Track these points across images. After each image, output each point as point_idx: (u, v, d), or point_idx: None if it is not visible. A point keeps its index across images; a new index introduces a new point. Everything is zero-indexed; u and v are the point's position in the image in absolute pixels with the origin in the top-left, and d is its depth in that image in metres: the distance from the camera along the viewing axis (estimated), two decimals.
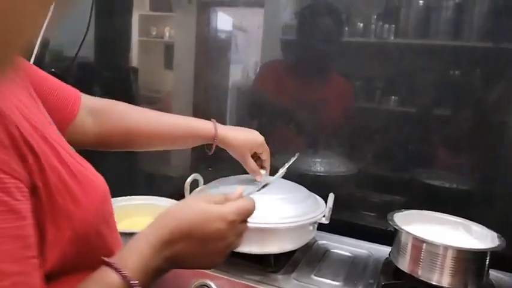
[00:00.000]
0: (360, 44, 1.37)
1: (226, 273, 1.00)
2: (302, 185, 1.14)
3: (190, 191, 1.11)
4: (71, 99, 0.80)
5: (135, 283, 0.53)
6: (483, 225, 1.03)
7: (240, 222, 0.64)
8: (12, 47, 0.28)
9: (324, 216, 1.05)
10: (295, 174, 1.16)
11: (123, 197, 1.21)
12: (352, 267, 1.09)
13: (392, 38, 1.30)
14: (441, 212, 1.09)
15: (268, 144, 1.05)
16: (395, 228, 1.00)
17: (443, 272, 0.92)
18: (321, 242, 1.20)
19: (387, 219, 1.02)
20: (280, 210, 1.00)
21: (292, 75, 1.49)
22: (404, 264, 0.98)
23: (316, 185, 1.18)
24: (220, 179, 1.15)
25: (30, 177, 0.46)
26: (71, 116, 0.79)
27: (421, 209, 1.10)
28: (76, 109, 0.80)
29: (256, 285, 0.97)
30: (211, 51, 1.63)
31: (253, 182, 1.05)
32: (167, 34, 1.75)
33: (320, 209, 1.07)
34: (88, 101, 0.84)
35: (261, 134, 1.05)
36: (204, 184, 1.15)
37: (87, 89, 0.88)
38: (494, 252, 0.92)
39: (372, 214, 1.33)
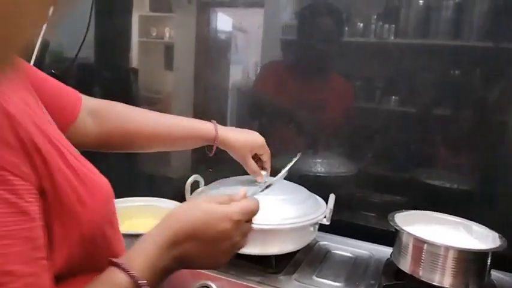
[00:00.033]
0: (360, 44, 1.37)
1: (227, 274, 1.00)
2: (303, 185, 1.14)
3: (191, 192, 1.11)
4: (72, 100, 0.80)
5: (143, 283, 0.53)
6: (484, 225, 1.03)
7: (244, 222, 0.64)
8: (12, 47, 0.28)
9: (324, 217, 1.05)
10: (296, 175, 1.16)
11: (124, 199, 1.20)
12: (353, 268, 1.09)
13: (393, 38, 1.30)
14: (442, 212, 1.08)
15: (268, 145, 1.05)
16: (396, 229, 1.00)
17: (445, 272, 0.92)
18: (322, 242, 1.20)
19: (388, 220, 1.02)
20: (281, 211, 1.00)
21: (292, 75, 1.49)
22: (405, 265, 0.98)
23: (317, 186, 1.18)
24: (221, 180, 1.14)
25: (38, 179, 0.47)
26: (72, 118, 0.79)
27: (422, 209, 1.10)
28: (77, 110, 0.80)
29: (257, 286, 0.97)
30: (211, 52, 1.63)
31: (254, 183, 1.05)
32: (167, 35, 1.75)
33: (321, 209, 1.07)
34: (88, 102, 0.84)
35: (261, 134, 1.05)
36: (204, 185, 1.15)
37: (87, 90, 0.88)
38: (495, 253, 0.92)
39: (373, 214, 1.33)
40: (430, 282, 0.93)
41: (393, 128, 1.34)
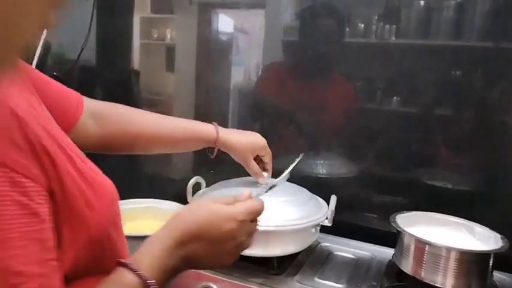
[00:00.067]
0: (361, 45, 1.37)
1: (229, 275, 1.00)
2: (304, 187, 1.14)
3: (193, 194, 1.10)
4: (74, 102, 0.80)
5: (152, 282, 0.54)
6: (486, 226, 1.03)
7: (249, 222, 0.65)
8: (12, 47, 0.28)
9: (326, 218, 1.05)
10: (298, 176, 1.16)
11: (125, 200, 1.20)
12: (355, 269, 1.09)
13: (394, 38, 1.30)
14: (444, 213, 1.09)
15: (270, 146, 1.05)
16: (397, 230, 1.00)
17: (447, 274, 0.92)
18: (324, 244, 1.20)
19: (390, 221, 1.02)
20: (283, 212, 1.00)
21: (293, 76, 1.49)
22: (407, 266, 0.98)
23: (318, 187, 1.18)
24: (223, 181, 1.14)
25: (47, 181, 0.47)
26: (74, 120, 0.79)
27: (424, 210, 1.10)
28: (79, 112, 0.80)
29: None
30: (213, 53, 1.63)
31: (255, 184, 1.05)
32: (168, 36, 1.75)
33: (322, 211, 1.07)
34: (90, 104, 0.84)
35: (263, 135, 1.05)
36: (206, 187, 1.15)
37: (89, 91, 0.88)
38: (497, 254, 0.92)
39: (375, 216, 1.33)
40: (432, 283, 0.93)
41: (394, 128, 1.34)
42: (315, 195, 1.14)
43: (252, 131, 1.06)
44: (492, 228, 1.01)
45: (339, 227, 1.10)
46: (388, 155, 1.34)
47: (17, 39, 0.28)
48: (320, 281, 1.02)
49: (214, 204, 0.64)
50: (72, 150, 0.54)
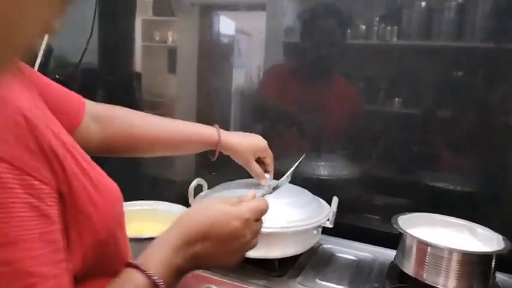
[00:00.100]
0: (362, 46, 1.37)
1: (230, 277, 1.00)
2: (306, 188, 1.14)
3: (194, 196, 1.10)
4: (76, 105, 0.80)
5: (160, 282, 0.55)
6: (488, 227, 1.02)
7: (254, 221, 0.66)
8: (13, 47, 0.28)
9: (328, 220, 1.05)
10: (299, 178, 1.16)
11: (127, 202, 1.20)
12: (357, 271, 1.09)
13: (395, 39, 1.30)
14: (446, 214, 1.08)
15: (272, 148, 1.05)
16: (399, 232, 1.00)
17: (449, 275, 0.91)
18: (325, 245, 1.20)
19: (391, 223, 1.02)
20: (285, 214, 1.00)
21: (295, 78, 1.49)
22: (409, 267, 0.97)
23: (320, 189, 1.18)
24: (225, 183, 1.14)
25: (57, 183, 0.48)
26: (76, 123, 0.79)
27: (426, 212, 1.10)
28: (81, 115, 0.80)
29: None
30: (214, 55, 1.64)
31: (258, 186, 1.05)
32: (170, 39, 1.75)
33: (324, 212, 1.06)
34: (92, 107, 0.84)
35: (264, 137, 1.05)
36: (208, 189, 1.15)
37: (91, 94, 0.88)
38: (500, 255, 0.92)
39: (376, 217, 1.33)
40: (434, 285, 0.92)
41: (396, 129, 1.33)
42: (317, 197, 1.14)
43: (254, 132, 1.07)
44: (494, 229, 1.01)
45: (340, 229, 1.10)
46: (390, 156, 1.34)
47: (17, 39, 0.28)
48: (322, 282, 1.02)
49: (220, 204, 0.65)
50: (78, 152, 0.55)
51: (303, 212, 1.03)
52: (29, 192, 0.44)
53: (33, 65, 1.26)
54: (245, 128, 1.59)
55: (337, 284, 1.02)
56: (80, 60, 1.47)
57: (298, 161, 1.10)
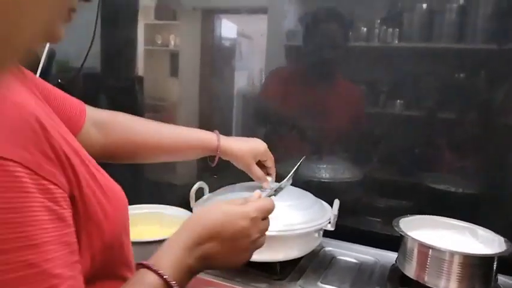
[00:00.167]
0: (363, 49, 1.37)
1: (232, 281, 1.00)
2: (307, 191, 1.14)
3: (196, 199, 1.11)
4: (77, 111, 0.81)
5: (173, 282, 0.56)
6: (490, 229, 1.02)
7: (261, 220, 0.68)
8: (12, 47, 0.28)
9: (329, 222, 1.05)
10: (301, 181, 1.16)
11: (129, 206, 1.21)
12: (358, 274, 1.09)
13: (396, 42, 1.30)
14: (447, 216, 1.08)
15: (274, 151, 1.06)
16: (401, 234, 0.99)
17: (450, 278, 0.91)
18: (327, 248, 1.20)
19: (393, 225, 1.02)
20: (286, 217, 1.00)
21: (296, 81, 1.49)
22: (410, 270, 0.97)
23: (322, 192, 1.18)
24: (227, 186, 1.15)
25: (70, 187, 0.49)
26: (77, 129, 0.80)
27: (427, 214, 1.09)
28: (82, 121, 0.81)
29: None
30: (216, 59, 1.64)
31: (260, 189, 1.05)
32: (172, 42, 1.76)
33: (327, 215, 1.06)
34: (93, 113, 0.84)
35: (266, 140, 1.05)
36: (209, 192, 1.15)
37: (93, 98, 0.89)
38: (501, 257, 0.92)
39: (378, 220, 1.33)
40: (435, 287, 0.92)
41: (398, 132, 1.33)
42: (319, 200, 1.14)
43: (256, 136, 1.07)
44: (496, 231, 1.00)
45: (342, 232, 1.10)
46: (392, 158, 1.33)
47: (17, 39, 0.28)
48: (323, 285, 1.02)
49: (227, 205, 0.67)
50: (87, 158, 0.56)
51: (305, 215, 1.03)
52: (46, 196, 0.45)
53: (35, 70, 1.27)
54: (247, 131, 1.59)
55: (339, 286, 1.01)
56: (82, 65, 1.48)
57: (299, 163, 1.09)
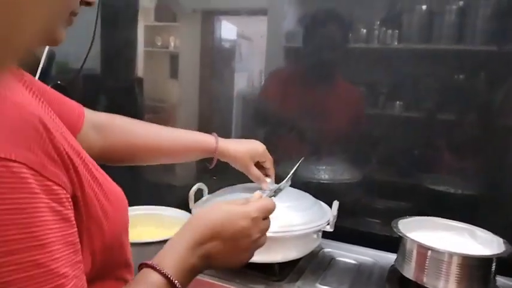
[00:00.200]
0: (363, 50, 1.37)
1: (230, 282, 1.00)
2: (307, 192, 1.14)
3: (195, 201, 1.11)
4: (75, 114, 0.81)
5: (177, 282, 0.57)
6: (489, 230, 1.02)
7: (262, 219, 0.69)
8: (12, 47, 0.29)
9: (328, 224, 1.05)
10: (300, 182, 1.16)
11: (131, 207, 1.21)
12: (357, 275, 1.09)
13: (396, 43, 1.29)
14: (447, 217, 1.08)
15: (274, 152, 1.06)
16: (399, 236, 0.99)
17: (449, 279, 0.91)
18: (326, 249, 1.20)
19: (392, 226, 1.02)
20: (285, 218, 1.00)
21: (296, 82, 1.49)
22: (409, 271, 0.97)
23: (321, 193, 1.18)
24: (226, 188, 1.15)
25: (73, 188, 0.50)
26: (75, 131, 0.80)
27: (427, 215, 1.09)
28: (80, 124, 0.81)
29: None
30: (216, 60, 1.64)
31: (259, 190, 1.05)
32: (172, 44, 1.76)
33: (326, 216, 1.06)
34: (91, 116, 0.85)
35: (266, 142, 1.05)
36: (208, 193, 1.15)
37: (93, 100, 0.89)
38: (500, 258, 0.92)
39: (377, 221, 1.32)
40: None
41: (397, 133, 1.33)
42: (318, 201, 1.14)
43: (256, 137, 1.07)
44: (496, 232, 1.00)
45: (341, 233, 1.10)
46: (391, 160, 1.33)
47: (17, 39, 0.28)
48: (322, 286, 1.02)
49: (228, 205, 0.68)
50: (88, 160, 0.56)
51: (304, 216, 1.03)
52: (51, 197, 0.46)
53: (35, 71, 1.27)
54: (247, 132, 1.59)
55: None
56: (82, 66, 1.48)
57: (297, 164, 1.10)
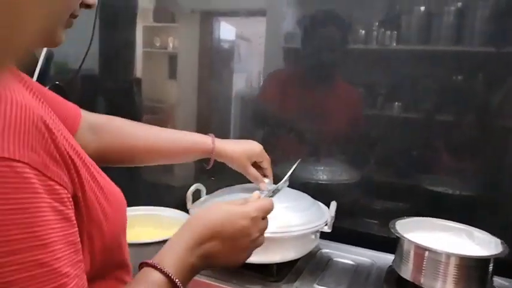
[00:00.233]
0: (362, 51, 1.37)
1: (228, 283, 1.00)
2: (305, 193, 1.14)
3: (193, 201, 1.11)
4: (72, 114, 0.81)
5: (177, 281, 0.58)
6: (486, 231, 1.02)
7: (261, 219, 0.69)
8: (12, 47, 0.29)
9: (326, 224, 1.05)
10: (298, 183, 1.16)
11: (130, 208, 1.21)
12: (355, 275, 1.09)
13: (394, 44, 1.30)
14: (445, 218, 1.08)
15: (272, 153, 1.06)
16: (397, 236, 0.99)
17: (446, 279, 0.91)
18: (324, 250, 1.20)
19: (389, 227, 1.02)
20: (283, 218, 0.99)
21: (294, 83, 1.49)
22: (407, 272, 0.97)
23: (319, 193, 1.18)
24: (224, 188, 1.15)
25: (73, 188, 0.50)
26: (72, 132, 0.80)
27: (425, 216, 1.09)
28: (77, 125, 0.81)
29: None
30: (215, 61, 1.64)
31: (257, 190, 1.05)
32: (171, 45, 1.76)
33: (324, 217, 1.06)
34: (88, 117, 0.84)
35: (264, 142, 1.05)
36: (206, 194, 1.15)
37: (91, 100, 0.89)
38: (497, 259, 0.92)
39: (375, 222, 1.33)
40: None
41: (395, 134, 1.33)
42: (317, 201, 1.14)
43: (254, 138, 1.07)
44: (493, 233, 1.00)
45: (339, 233, 1.10)
46: (389, 160, 1.34)
47: (17, 39, 0.28)
48: (320, 287, 1.02)
49: (227, 205, 0.68)
50: (87, 159, 0.56)
51: (302, 217, 1.03)
52: (53, 197, 0.46)
53: (33, 71, 1.27)
54: (245, 133, 1.59)
55: None
56: (80, 66, 1.48)
57: (295, 165, 1.10)
